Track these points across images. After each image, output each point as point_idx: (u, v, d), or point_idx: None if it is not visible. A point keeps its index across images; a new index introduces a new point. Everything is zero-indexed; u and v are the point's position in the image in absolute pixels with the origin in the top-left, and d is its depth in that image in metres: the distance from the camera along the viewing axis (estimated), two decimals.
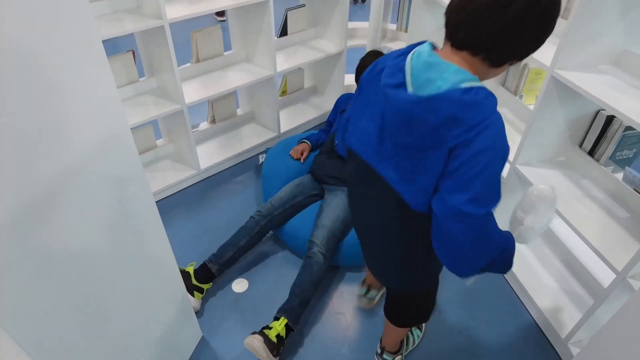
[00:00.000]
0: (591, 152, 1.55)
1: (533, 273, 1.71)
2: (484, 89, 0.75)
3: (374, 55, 1.82)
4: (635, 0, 1.26)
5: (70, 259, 0.84)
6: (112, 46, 3.60)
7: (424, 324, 1.57)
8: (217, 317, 1.60)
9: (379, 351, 1.46)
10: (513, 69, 1.93)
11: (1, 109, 0.65)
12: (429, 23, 2.32)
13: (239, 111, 2.57)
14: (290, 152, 2.06)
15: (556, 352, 1.50)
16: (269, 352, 1.33)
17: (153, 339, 1.23)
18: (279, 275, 1.76)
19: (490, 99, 0.75)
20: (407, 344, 1.49)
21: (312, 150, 2.08)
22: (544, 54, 1.44)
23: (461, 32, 0.75)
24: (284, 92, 2.72)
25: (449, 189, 0.77)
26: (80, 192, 0.84)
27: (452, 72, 0.74)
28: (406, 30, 2.57)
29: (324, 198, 1.86)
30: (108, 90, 0.86)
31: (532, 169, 1.59)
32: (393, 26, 2.68)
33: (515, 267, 1.72)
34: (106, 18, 1.73)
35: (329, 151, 1.92)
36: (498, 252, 0.85)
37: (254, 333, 1.38)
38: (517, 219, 1.00)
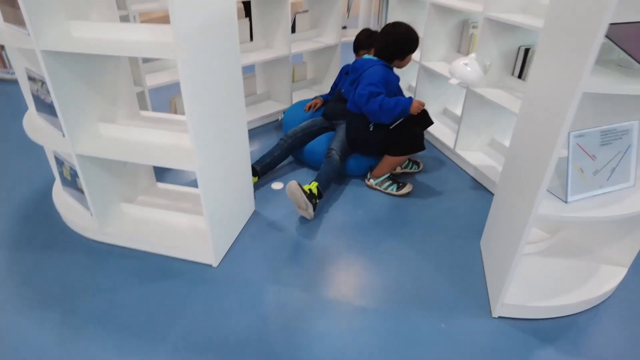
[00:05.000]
0: (520, 76, 2.27)
1: (466, 149, 2.37)
2: (374, 59, 2.18)
3: (365, 31, 2.56)
4: None
5: (217, 117, 1.45)
6: None
7: (399, 191, 2.22)
8: (263, 201, 2.14)
9: (368, 176, 2.29)
10: (463, 37, 2.69)
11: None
12: (401, 17, 3.11)
13: (258, 90, 3.24)
14: (305, 107, 2.71)
15: (491, 193, 2.14)
16: (302, 191, 1.88)
17: (240, 182, 1.78)
18: (305, 181, 2.33)
19: (376, 63, 2.14)
20: (384, 184, 2.23)
21: (322, 104, 2.74)
22: (475, 5, 2.19)
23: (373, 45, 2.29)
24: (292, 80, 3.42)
25: (358, 87, 2.12)
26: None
27: (366, 55, 2.28)
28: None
29: (335, 130, 2.49)
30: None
31: (482, 90, 2.29)
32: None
33: (446, 140, 2.38)
34: None
35: (337, 99, 2.58)
36: (393, 105, 2.02)
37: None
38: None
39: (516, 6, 2.15)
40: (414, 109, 2.04)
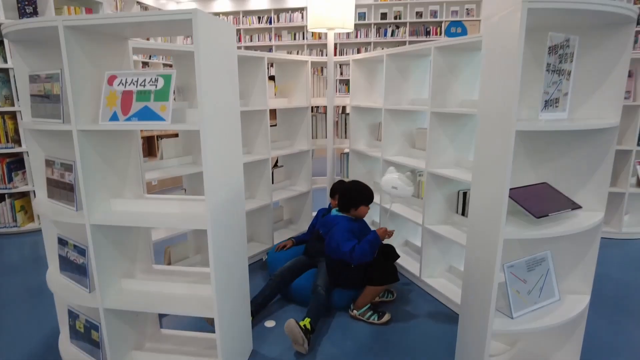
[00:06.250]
0: (463, 214, 2.82)
1: (429, 276, 2.73)
2: (339, 216, 2.65)
3: (340, 182, 3.15)
4: (455, 134, 2.74)
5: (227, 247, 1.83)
6: None
7: (381, 320, 2.51)
8: (259, 340, 2.34)
9: (351, 307, 2.56)
10: (413, 181, 3.31)
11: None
12: (359, 169, 3.78)
13: None
14: (277, 248, 3.12)
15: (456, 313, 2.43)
16: (299, 328, 2.14)
17: (243, 324, 2.03)
18: (294, 317, 2.58)
19: (340, 217, 2.63)
20: (367, 314, 2.51)
21: (295, 244, 3.16)
22: (419, 163, 2.83)
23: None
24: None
25: (339, 245, 2.48)
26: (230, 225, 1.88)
27: (334, 210, 2.69)
28: (347, 177, 4.01)
29: (317, 266, 2.84)
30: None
31: (433, 226, 2.79)
32: (338, 177, 4.12)
33: (412, 269, 2.74)
34: None
35: (316, 238, 3.00)
36: (368, 246, 2.42)
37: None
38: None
39: (450, 162, 2.80)
40: (382, 235, 2.50)
